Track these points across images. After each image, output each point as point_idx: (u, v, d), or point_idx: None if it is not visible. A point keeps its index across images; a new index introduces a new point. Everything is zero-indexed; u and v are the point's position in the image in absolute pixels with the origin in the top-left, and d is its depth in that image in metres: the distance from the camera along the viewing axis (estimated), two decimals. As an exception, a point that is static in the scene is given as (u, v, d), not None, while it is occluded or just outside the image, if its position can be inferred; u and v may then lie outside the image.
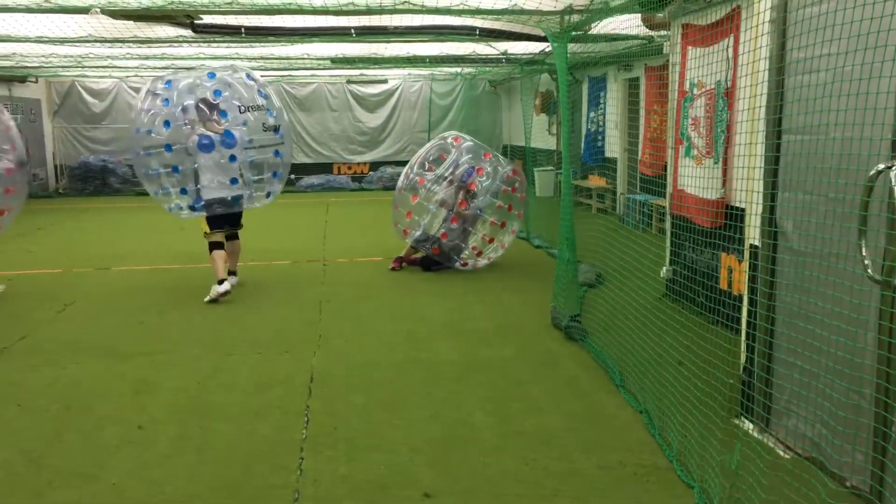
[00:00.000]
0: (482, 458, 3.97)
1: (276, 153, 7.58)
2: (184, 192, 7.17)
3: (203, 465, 3.93)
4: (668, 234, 7.14)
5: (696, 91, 6.30)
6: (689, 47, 6.37)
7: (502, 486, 3.68)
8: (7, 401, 4.83)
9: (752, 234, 4.12)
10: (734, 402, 4.28)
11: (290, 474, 3.79)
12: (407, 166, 8.88)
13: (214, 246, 7.41)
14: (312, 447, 4.10)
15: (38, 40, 8.86)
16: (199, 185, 7.12)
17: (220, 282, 7.27)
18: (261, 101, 7.42)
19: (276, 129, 7.52)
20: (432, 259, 8.49)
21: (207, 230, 7.44)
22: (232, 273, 7.81)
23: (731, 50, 5.65)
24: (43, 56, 11.08)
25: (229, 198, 7.28)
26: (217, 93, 7.21)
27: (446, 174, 8.52)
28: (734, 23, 5.59)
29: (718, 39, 5.80)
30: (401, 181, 8.76)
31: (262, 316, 6.81)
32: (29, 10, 6.54)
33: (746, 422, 4.14)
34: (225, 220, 7.51)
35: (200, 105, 7.10)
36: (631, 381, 4.91)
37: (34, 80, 16.34)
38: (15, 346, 5.98)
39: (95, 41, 8.90)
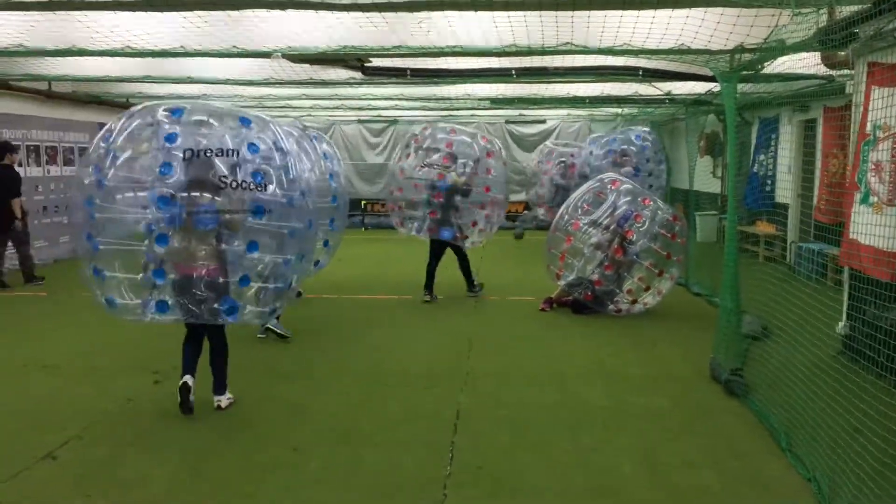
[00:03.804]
0: (630, 512, 3.79)
1: None
2: None
3: (350, 491, 4.01)
4: (846, 286, 6.58)
5: (880, 134, 5.81)
6: (875, 87, 5.90)
7: (651, 544, 3.49)
8: (172, 415, 5.15)
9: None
10: (921, 478, 3.82)
11: (432, 509, 3.79)
12: (563, 207, 8.79)
13: None
14: (456, 484, 4.08)
15: (226, 82, 9.69)
16: None
17: None
18: None
19: None
20: (584, 303, 8.30)
21: None
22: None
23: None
24: (229, 97, 12.09)
25: None
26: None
27: (603, 219, 8.34)
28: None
29: (910, 78, 5.33)
30: (555, 222, 8.67)
31: (413, 349, 6.93)
32: (220, 55, 7.17)
33: (935, 501, 3.67)
34: None
35: None
36: (799, 444, 4.52)
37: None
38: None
39: (275, 83, 9.62)
